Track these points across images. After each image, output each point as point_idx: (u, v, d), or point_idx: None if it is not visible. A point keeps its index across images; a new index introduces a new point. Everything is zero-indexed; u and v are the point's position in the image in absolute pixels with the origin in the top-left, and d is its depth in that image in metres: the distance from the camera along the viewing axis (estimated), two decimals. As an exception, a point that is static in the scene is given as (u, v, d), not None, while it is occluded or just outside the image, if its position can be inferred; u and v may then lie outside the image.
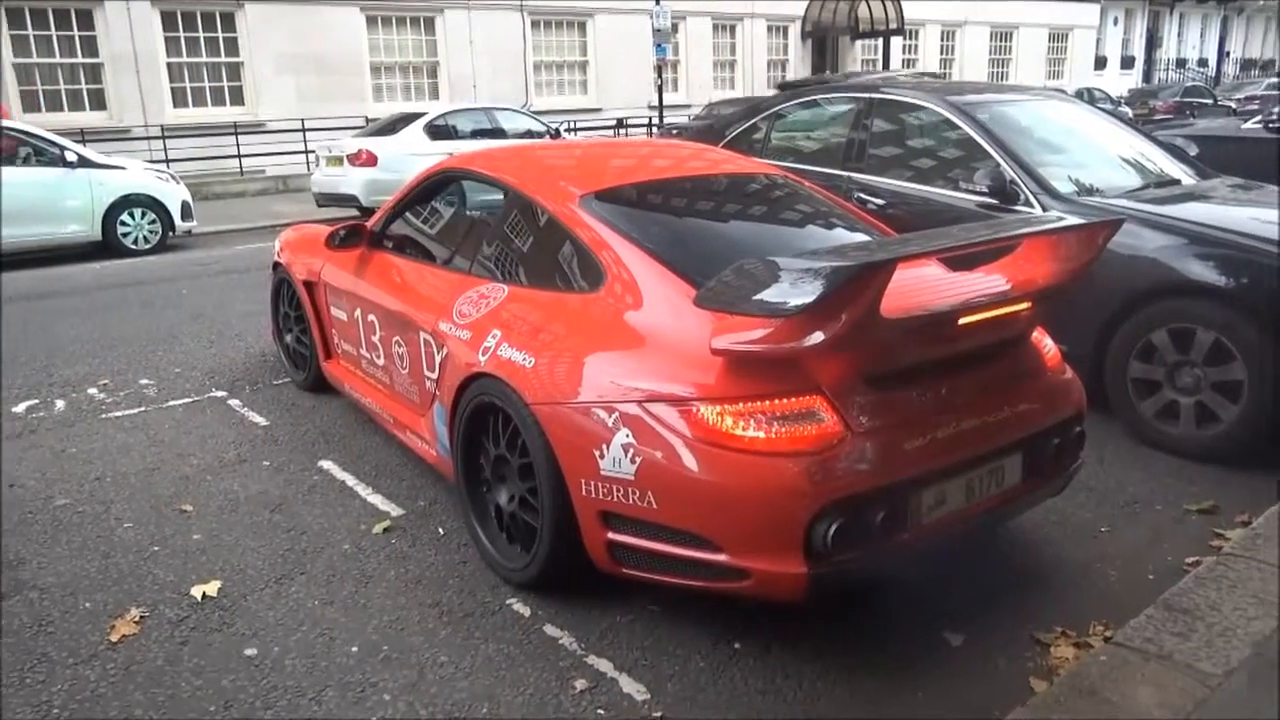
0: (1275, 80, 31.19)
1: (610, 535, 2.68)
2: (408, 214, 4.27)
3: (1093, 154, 5.12)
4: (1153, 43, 40.90)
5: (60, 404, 4.97)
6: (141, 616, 2.91)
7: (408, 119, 12.79)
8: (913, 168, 5.16)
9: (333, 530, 3.47)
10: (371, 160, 11.67)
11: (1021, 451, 2.81)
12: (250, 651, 2.73)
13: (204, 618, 2.91)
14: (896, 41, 28.04)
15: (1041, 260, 2.84)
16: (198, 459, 4.16)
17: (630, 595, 2.96)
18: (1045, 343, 3.11)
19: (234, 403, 4.92)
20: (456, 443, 3.23)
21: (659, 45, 19.23)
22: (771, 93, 24.02)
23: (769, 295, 2.29)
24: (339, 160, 12.03)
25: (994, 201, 4.59)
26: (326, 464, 4.08)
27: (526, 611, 2.92)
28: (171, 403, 4.94)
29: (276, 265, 5.15)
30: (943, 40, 31.14)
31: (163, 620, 2.90)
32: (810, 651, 2.71)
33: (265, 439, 4.39)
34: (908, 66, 30.00)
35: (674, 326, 2.70)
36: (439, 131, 12.47)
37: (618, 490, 2.60)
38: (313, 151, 14.65)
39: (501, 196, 3.67)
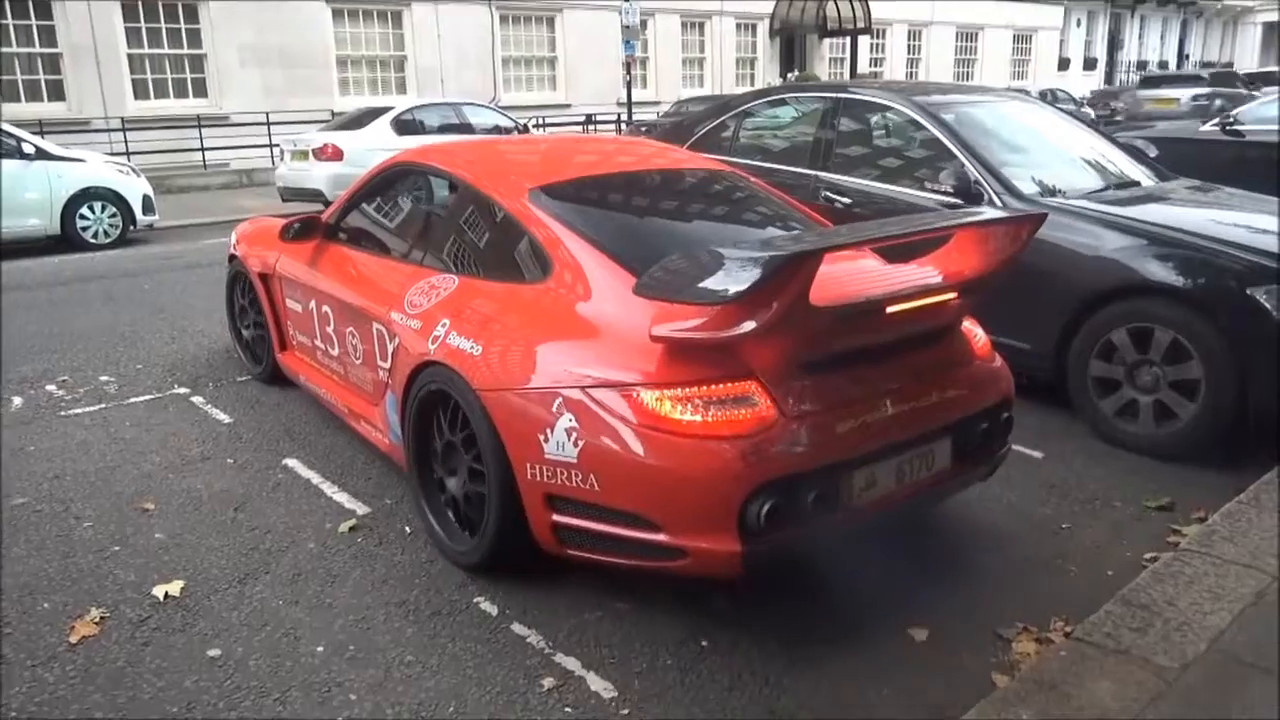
0: (1233, 83, 31.80)
1: (555, 517, 2.76)
2: (362, 206, 4.29)
3: (1055, 155, 5.20)
4: (1114, 44, 41.50)
5: (17, 401, 4.88)
6: (102, 617, 2.87)
7: (374, 113, 12.68)
8: (879, 167, 5.20)
9: (298, 529, 3.44)
10: (337, 155, 11.56)
11: (951, 436, 2.92)
12: (213, 652, 2.70)
13: (166, 618, 2.87)
14: (864, 41, 28.26)
15: (971, 252, 2.94)
16: (159, 457, 4.11)
17: (599, 593, 2.97)
18: (975, 332, 3.20)
19: (196, 399, 4.86)
20: (408, 430, 3.29)
21: (627, 42, 19.22)
22: (741, 90, 24.14)
23: (705, 284, 2.38)
24: (304, 154, 11.90)
25: (958, 201, 4.64)
26: (291, 462, 4.04)
27: (494, 610, 2.91)
28: (133, 399, 4.87)
29: (233, 258, 5.15)
30: (909, 40, 31.41)
31: (123, 621, 2.86)
32: (776, 647, 2.73)
33: (229, 436, 4.34)
34: (874, 66, 30.26)
35: (617, 315, 2.79)
36: (406, 126, 12.38)
37: (561, 473, 2.68)
38: (277, 145, 14.49)
39: (455, 190, 3.72)
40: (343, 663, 2.65)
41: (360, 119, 12.70)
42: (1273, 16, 49.35)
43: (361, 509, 3.60)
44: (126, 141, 15.76)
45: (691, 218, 3.68)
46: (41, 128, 13.79)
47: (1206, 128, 10.18)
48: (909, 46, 31.47)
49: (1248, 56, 47.73)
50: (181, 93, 17.60)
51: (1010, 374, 3.22)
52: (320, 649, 2.72)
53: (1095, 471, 3.96)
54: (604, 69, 23.16)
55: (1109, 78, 40.13)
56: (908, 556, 3.25)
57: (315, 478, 3.88)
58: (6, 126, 9.71)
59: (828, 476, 2.61)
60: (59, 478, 3.89)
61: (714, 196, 3.78)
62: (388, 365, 3.50)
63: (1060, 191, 4.69)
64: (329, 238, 4.27)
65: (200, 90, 17.77)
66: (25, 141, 9.60)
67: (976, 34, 33.42)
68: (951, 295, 2.90)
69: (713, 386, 2.56)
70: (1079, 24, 39.03)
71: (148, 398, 4.90)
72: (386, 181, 4.23)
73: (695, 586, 2.93)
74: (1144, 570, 3.03)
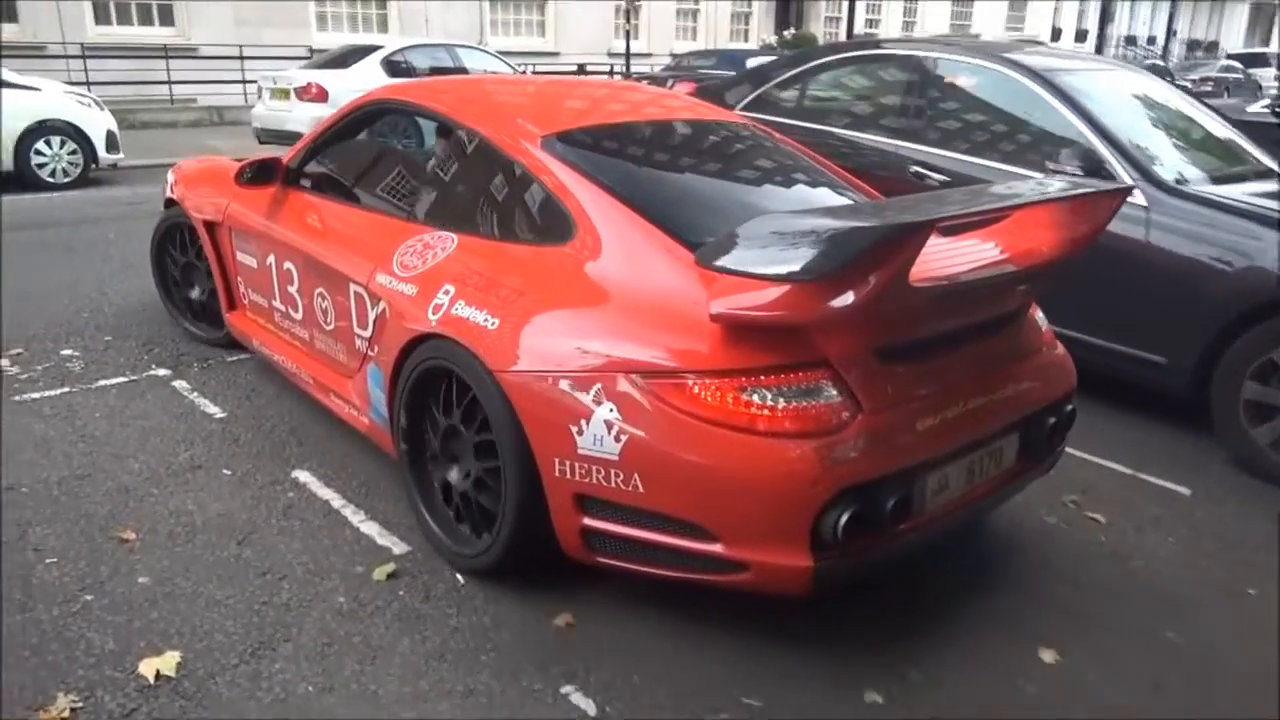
0: (1226, 63, 31.41)
1: (586, 520, 2.41)
2: (333, 149, 3.82)
3: (1180, 135, 4.55)
4: (1106, 17, 40.95)
5: (-38, 379, 4.07)
6: (73, 708, 2.15)
7: (361, 52, 11.72)
8: (983, 141, 4.51)
9: (321, 574, 2.73)
10: (322, 95, 10.62)
11: (1020, 431, 2.67)
12: (227, 771, 2.02)
13: (160, 709, 2.17)
14: (860, 3, 27.39)
15: (1046, 230, 2.63)
16: (139, 463, 3.35)
17: (720, 675, 2.32)
18: (1039, 316, 2.95)
19: (180, 385, 4.09)
20: (398, 411, 2.90)
21: (629, -13, 18.24)
22: (739, 46, 23.25)
23: (784, 256, 2.04)
24: (285, 93, 10.95)
25: (1086, 186, 3.98)
26: (302, 475, 3.32)
27: (590, 707, 2.25)
28: (102, 382, 4.09)
29: (170, 203, 4.49)
30: (905, 3, 30.58)
31: (102, 713, 2.15)
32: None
33: (222, 437, 3.60)
34: (870, 28, 29.42)
35: (660, 287, 2.42)
36: (396, 68, 11.43)
37: (598, 471, 2.32)
38: (252, 81, 13.46)
39: (449, 135, 3.27)
40: (403, 790, 1.98)
41: (345, 57, 11.75)
42: (1260, -3, 49.05)
43: (398, 546, 2.90)
44: (86, 70, 14.60)
45: (731, 177, 3.19)
46: (-8, 51, 12.63)
47: (1255, 108, 9.63)
48: (905, 9, 30.66)
49: (1234, 36, 47.44)
50: (146, 19, 16.42)
51: (1073, 363, 2.92)
52: (370, 767, 2.04)
53: (1255, 514, 3.39)
54: (596, 16, 22.16)
55: (1099, 50, 39.58)
56: (1077, 620, 2.64)
57: (334, 498, 3.16)
58: (-48, 47, 8.68)
59: (907, 480, 2.30)
60: (13, 489, 3.13)
61: (748, 154, 3.29)
62: (367, 334, 3.10)
63: (1200, 180, 4.05)
64: (290, 184, 3.76)
65: (167, 18, 16.59)
66: (-26, 65, 8.58)
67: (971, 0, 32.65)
68: (1041, 276, 2.62)
69: (782, 375, 2.21)
70: (1072, -6, 38.39)
71: (121, 380, 4.11)
72: (360, 121, 3.78)
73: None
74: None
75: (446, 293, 2.70)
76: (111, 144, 9.48)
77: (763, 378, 2.21)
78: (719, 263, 2.14)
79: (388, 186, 3.61)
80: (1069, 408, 2.82)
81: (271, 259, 3.73)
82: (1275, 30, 47.39)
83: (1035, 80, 4.33)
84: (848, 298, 2.08)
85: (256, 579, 2.70)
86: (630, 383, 2.27)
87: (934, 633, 2.59)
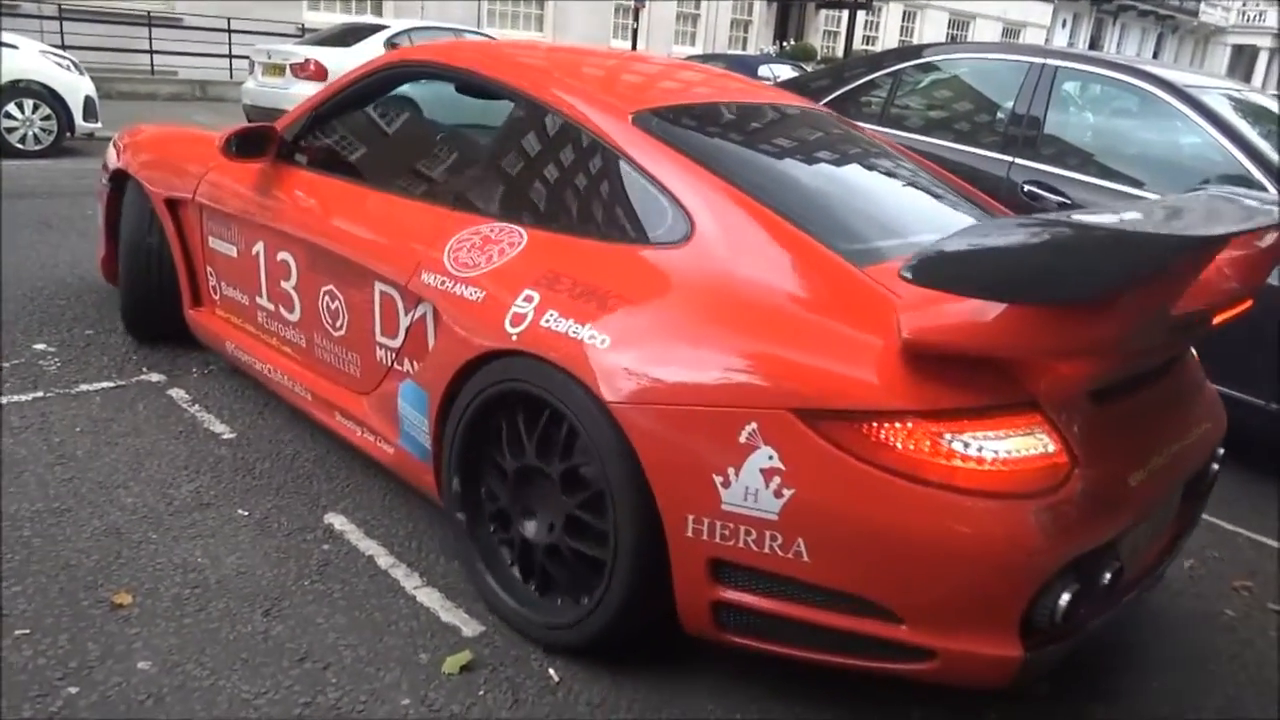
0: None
1: (723, 593, 1.96)
2: (345, 119, 3.23)
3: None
4: (1094, 48, 41.28)
5: (-88, 373, 3.39)
6: None
7: (363, 31, 11.04)
8: (1112, 164, 4.01)
9: (375, 662, 2.12)
10: (321, 73, 9.90)
11: (1186, 481, 2.25)
12: None
13: None
14: (860, 16, 27.15)
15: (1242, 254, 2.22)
16: (133, 496, 2.71)
17: None
18: (1193, 352, 2.59)
19: (177, 393, 3.44)
20: (452, 444, 2.36)
21: (639, -15, 17.73)
22: (737, 52, 22.89)
23: (1022, 270, 1.60)
24: (279, 69, 10.22)
25: (1243, 220, 3.49)
26: (336, 521, 2.70)
27: None
28: (84, 386, 3.42)
29: (118, 174, 3.80)
30: (904, 21, 30.46)
31: None
32: None
33: (234, 465, 2.96)
34: (867, 45, 29.18)
35: (821, 303, 1.96)
36: (399, 50, 10.78)
37: (747, 533, 1.88)
38: (240, 56, 12.73)
39: (510, 106, 2.69)
40: None
41: (345, 36, 11.05)
42: (1241, 40, 49.98)
43: (468, 625, 2.29)
44: (62, 33, 13.73)
45: (863, 177, 2.73)
46: (-39, 5, 11.77)
47: None
48: (902, 28, 30.50)
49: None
50: (129, -15, 15.52)
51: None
52: None
53: None
54: (596, 14, 21.61)
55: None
56: None
57: (380, 554, 2.55)
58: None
59: (1116, 545, 1.90)
60: (-27, 527, 2.49)
61: (870, 152, 2.84)
62: (396, 343, 2.62)
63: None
64: (287, 158, 3.18)
65: (151, -15, 15.71)
66: (-58, 15, 7.80)
67: (968, 23, 32.67)
68: (1245, 305, 2.24)
69: (988, 418, 1.78)
70: (1064, 24, 38.63)
71: (105, 385, 3.45)
72: (381, 85, 3.18)
73: None
74: None
75: (529, 299, 2.20)
76: (90, 112, 8.72)
77: (965, 421, 1.77)
78: (941, 280, 1.66)
79: (424, 166, 3.15)
80: (1222, 453, 2.46)
81: (261, 248, 3.14)
82: (1257, 71, 48.16)
83: (1178, 96, 3.83)
84: (1110, 324, 1.65)
85: (293, 668, 2.08)
86: (800, 421, 1.81)
87: None
